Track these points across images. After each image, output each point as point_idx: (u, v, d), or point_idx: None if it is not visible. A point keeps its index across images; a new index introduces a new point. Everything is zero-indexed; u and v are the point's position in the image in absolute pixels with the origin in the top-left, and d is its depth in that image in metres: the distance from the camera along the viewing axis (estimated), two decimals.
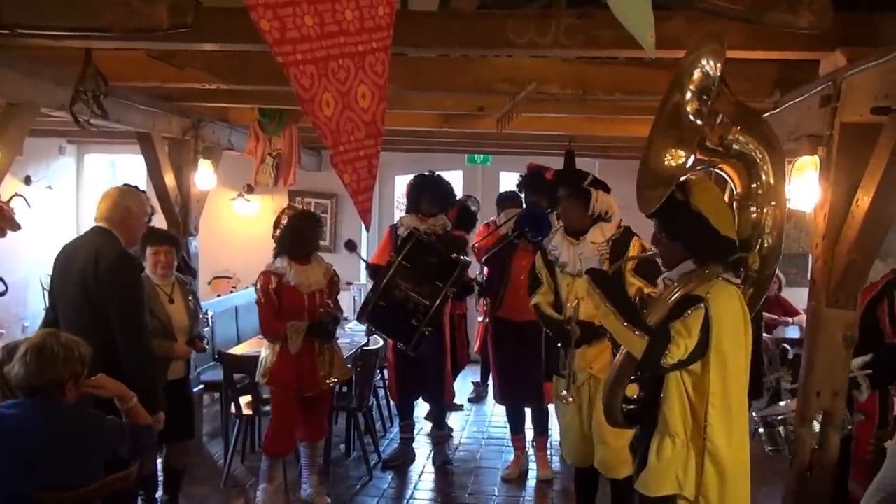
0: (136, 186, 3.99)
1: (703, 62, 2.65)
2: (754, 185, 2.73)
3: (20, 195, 7.15)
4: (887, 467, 2.83)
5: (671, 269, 2.76)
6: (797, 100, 3.59)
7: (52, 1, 2.66)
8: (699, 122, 2.65)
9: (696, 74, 2.69)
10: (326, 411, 4.90)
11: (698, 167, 2.83)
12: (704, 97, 2.65)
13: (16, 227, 6.54)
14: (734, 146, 2.74)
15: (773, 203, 2.79)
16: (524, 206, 5.49)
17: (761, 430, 3.39)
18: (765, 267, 2.84)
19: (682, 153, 2.68)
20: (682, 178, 2.66)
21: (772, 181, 2.77)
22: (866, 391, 3.42)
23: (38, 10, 2.68)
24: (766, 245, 2.79)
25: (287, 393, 4.52)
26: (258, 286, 4.54)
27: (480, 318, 6.55)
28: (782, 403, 3.75)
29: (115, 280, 3.52)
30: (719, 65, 2.58)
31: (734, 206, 2.84)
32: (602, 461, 3.86)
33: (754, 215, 2.76)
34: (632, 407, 2.84)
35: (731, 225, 2.71)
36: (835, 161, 3.09)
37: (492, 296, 5.38)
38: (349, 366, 5.01)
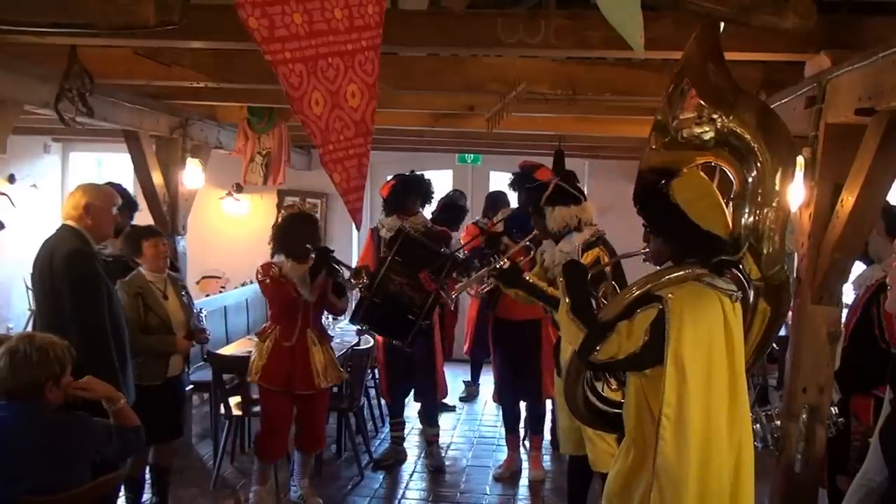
0: (119, 184, 3.98)
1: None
2: (750, 180, 2.57)
3: (4, 194, 7.12)
4: (870, 461, 2.82)
5: (659, 266, 2.65)
6: (782, 101, 3.61)
7: None
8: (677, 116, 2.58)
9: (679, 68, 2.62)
10: (322, 418, 4.82)
11: (698, 162, 2.76)
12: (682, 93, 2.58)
13: (0, 226, 6.48)
14: (727, 136, 2.58)
15: (773, 204, 2.60)
16: (516, 205, 5.48)
17: (756, 426, 3.36)
18: (772, 274, 2.63)
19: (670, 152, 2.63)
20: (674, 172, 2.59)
21: (774, 181, 2.59)
22: (835, 394, 3.43)
23: (21, 6, 2.65)
24: (768, 251, 2.61)
25: (277, 392, 4.50)
26: (260, 273, 4.52)
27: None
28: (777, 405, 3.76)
29: (67, 275, 3.50)
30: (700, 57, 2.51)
31: (730, 203, 2.69)
32: (590, 457, 3.89)
33: (751, 217, 2.58)
34: (602, 407, 2.81)
35: (719, 222, 2.52)
36: (820, 161, 3.12)
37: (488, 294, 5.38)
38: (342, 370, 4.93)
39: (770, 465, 3.42)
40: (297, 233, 4.51)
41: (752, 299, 2.61)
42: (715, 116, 2.54)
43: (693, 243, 2.50)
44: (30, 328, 7.04)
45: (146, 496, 4.48)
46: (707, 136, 2.57)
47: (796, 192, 3.23)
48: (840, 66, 2.93)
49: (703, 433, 2.40)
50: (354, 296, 5.03)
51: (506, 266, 3.63)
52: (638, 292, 2.49)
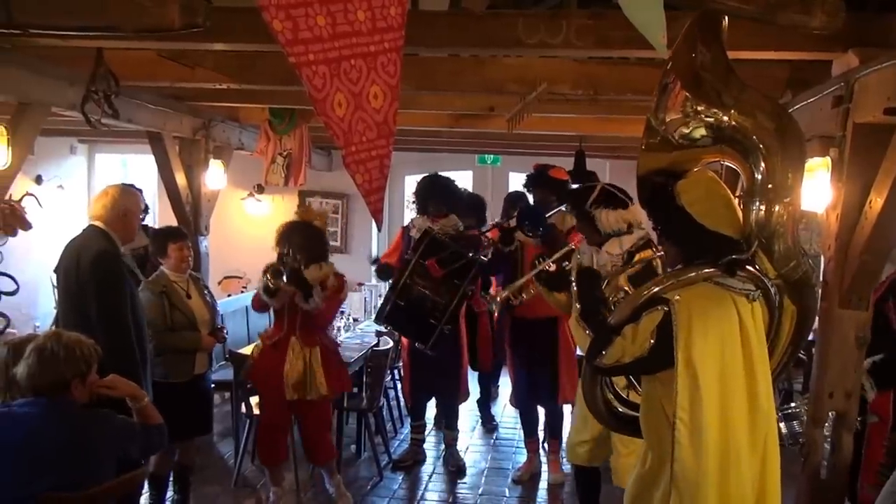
0: (132, 185, 4.04)
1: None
2: (759, 176, 2.48)
3: (31, 194, 7.17)
4: None
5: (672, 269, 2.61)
6: (809, 101, 3.57)
7: (63, 1, 2.67)
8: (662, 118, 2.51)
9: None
10: (322, 429, 4.62)
11: (706, 161, 2.71)
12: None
13: (27, 226, 6.57)
14: (725, 132, 2.50)
15: (784, 200, 2.51)
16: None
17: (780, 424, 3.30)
18: (787, 272, 2.56)
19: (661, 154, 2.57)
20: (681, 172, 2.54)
21: (784, 176, 2.50)
22: (871, 391, 3.39)
23: (49, 10, 2.69)
24: (779, 248, 2.54)
25: (264, 393, 4.53)
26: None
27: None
28: (793, 404, 3.72)
29: (91, 277, 3.56)
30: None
31: (740, 202, 2.63)
32: (612, 467, 3.83)
33: (762, 214, 2.50)
34: (622, 410, 2.78)
35: (727, 221, 2.47)
36: (847, 162, 3.07)
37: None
38: (341, 383, 4.67)
39: (795, 471, 3.38)
40: (286, 240, 4.43)
41: (776, 298, 2.55)
42: (700, 108, 2.46)
43: (701, 244, 2.45)
44: (55, 327, 7.12)
45: (168, 493, 4.51)
46: (698, 134, 2.50)
47: (822, 194, 3.20)
48: (868, 65, 2.89)
49: (719, 438, 2.35)
50: (372, 301, 5.01)
51: (552, 269, 3.60)
52: (646, 296, 2.45)
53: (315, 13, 1.89)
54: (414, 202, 5.47)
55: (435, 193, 5.34)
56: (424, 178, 5.49)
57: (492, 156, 9.11)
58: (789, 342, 2.65)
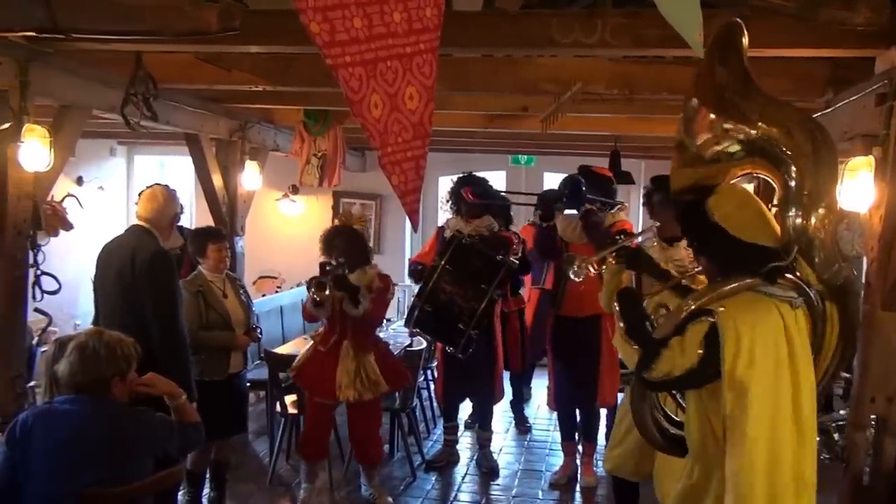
0: (167, 185, 4.11)
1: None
2: (792, 184, 2.47)
3: (73, 195, 7.34)
4: None
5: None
6: (851, 98, 3.50)
7: (105, 6, 2.72)
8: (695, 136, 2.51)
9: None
10: (373, 428, 4.70)
11: (738, 175, 2.69)
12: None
13: (68, 226, 6.72)
14: (756, 145, 2.50)
15: (821, 205, 2.50)
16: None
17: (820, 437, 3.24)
18: (829, 277, 2.53)
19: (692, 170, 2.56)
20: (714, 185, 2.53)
21: (817, 182, 2.50)
22: None
23: (91, 15, 2.74)
24: (819, 254, 2.51)
25: (310, 395, 4.58)
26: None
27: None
28: (842, 412, 3.63)
29: (150, 277, 3.65)
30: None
31: (775, 211, 2.60)
32: (656, 486, 3.75)
33: (799, 221, 2.49)
34: (673, 431, 2.72)
35: (763, 232, 2.46)
36: (891, 161, 3.01)
37: (552, 292, 5.32)
38: (402, 379, 4.77)
39: (836, 477, 3.31)
40: (331, 247, 4.50)
41: (818, 305, 2.51)
42: (728, 126, 2.48)
43: (738, 257, 2.44)
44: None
45: (204, 490, 4.56)
46: (733, 150, 2.51)
47: (865, 194, 3.14)
48: None
49: (768, 451, 2.32)
50: (405, 302, 5.02)
51: (632, 246, 3.56)
52: (690, 309, 2.44)
53: (352, 15, 1.90)
54: (448, 202, 5.47)
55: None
56: (459, 178, 5.49)
57: (525, 156, 9.07)
58: (835, 350, 2.60)
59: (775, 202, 2.60)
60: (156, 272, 3.67)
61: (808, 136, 2.46)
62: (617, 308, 2.66)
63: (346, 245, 4.48)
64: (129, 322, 3.50)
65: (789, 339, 2.37)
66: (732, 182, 2.59)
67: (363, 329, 4.54)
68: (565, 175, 5.39)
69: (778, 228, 2.49)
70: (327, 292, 4.28)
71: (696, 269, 2.93)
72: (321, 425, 4.65)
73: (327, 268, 4.36)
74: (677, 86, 4.12)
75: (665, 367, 2.38)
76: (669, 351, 2.37)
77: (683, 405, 2.68)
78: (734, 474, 2.32)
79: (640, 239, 3.84)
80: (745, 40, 2.43)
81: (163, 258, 3.72)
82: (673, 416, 2.76)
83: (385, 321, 6.64)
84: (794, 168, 2.46)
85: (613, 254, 3.42)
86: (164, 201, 3.87)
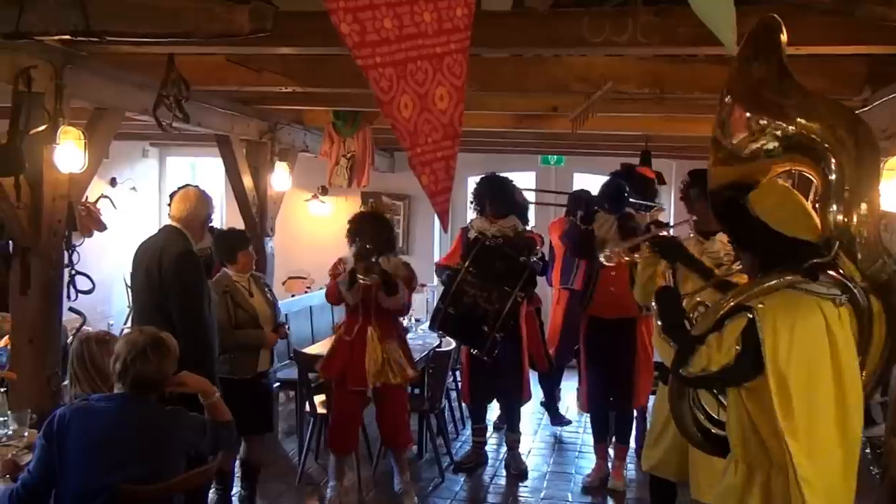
0: (198, 186, 4.15)
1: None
2: (833, 178, 2.43)
3: (106, 196, 7.45)
4: None
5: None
6: (889, 97, 3.43)
7: (138, 9, 2.75)
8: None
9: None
10: (402, 414, 4.80)
11: (777, 171, 2.64)
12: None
13: (102, 227, 6.83)
14: (795, 141, 2.46)
15: (862, 200, 2.45)
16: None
17: (867, 450, 3.18)
18: (873, 273, 2.47)
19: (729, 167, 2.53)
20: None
21: (858, 176, 2.45)
22: None
23: (125, 18, 2.77)
24: (862, 250, 2.45)
25: (339, 385, 4.60)
26: (330, 269, 4.67)
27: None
28: (881, 424, 3.55)
29: (177, 276, 3.70)
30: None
31: (816, 206, 2.56)
32: (691, 483, 3.71)
33: (840, 216, 2.45)
34: (714, 430, 2.67)
35: (804, 227, 2.41)
36: None
37: (581, 293, 5.29)
38: (415, 369, 4.84)
39: (872, 482, 3.25)
40: (360, 231, 4.54)
41: (863, 302, 2.45)
42: (764, 122, 2.44)
43: (781, 252, 2.40)
44: (129, 324, 7.38)
45: (234, 489, 4.60)
46: (771, 146, 2.47)
47: None
48: None
49: (808, 453, 2.28)
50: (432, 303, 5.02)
51: (668, 236, 3.52)
52: (729, 305, 2.40)
53: (382, 16, 1.90)
54: (473, 203, 5.46)
55: (492, 194, 5.31)
56: (482, 178, 5.47)
57: (555, 156, 9.03)
58: (882, 349, 2.54)
59: (815, 197, 2.56)
60: (182, 272, 3.72)
61: (850, 131, 2.42)
62: (655, 307, 2.63)
63: (376, 231, 4.53)
64: (157, 321, 3.54)
65: (832, 337, 2.33)
66: (773, 178, 2.55)
67: (388, 316, 4.60)
68: (608, 176, 5.39)
69: (819, 224, 2.46)
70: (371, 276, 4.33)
71: (737, 266, 2.89)
72: (350, 417, 4.68)
73: (365, 252, 4.41)
74: (710, 84, 4.06)
75: (701, 363, 2.35)
76: (706, 347, 2.35)
77: (724, 403, 2.64)
78: (802, 466, 2.28)
79: (673, 231, 3.80)
80: (784, 36, 2.39)
81: (189, 258, 3.76)
82: (713, 415, 2.71)
83: (414, 321, 6.67)
84: (834, 163, 2.42)
85: (647, 242, 3.40)
86: (196, 202, 3.93)
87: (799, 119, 2.43)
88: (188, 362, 3.09)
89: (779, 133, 2.44)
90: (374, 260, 4.36)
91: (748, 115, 2.45)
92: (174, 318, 3.65)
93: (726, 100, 2.49)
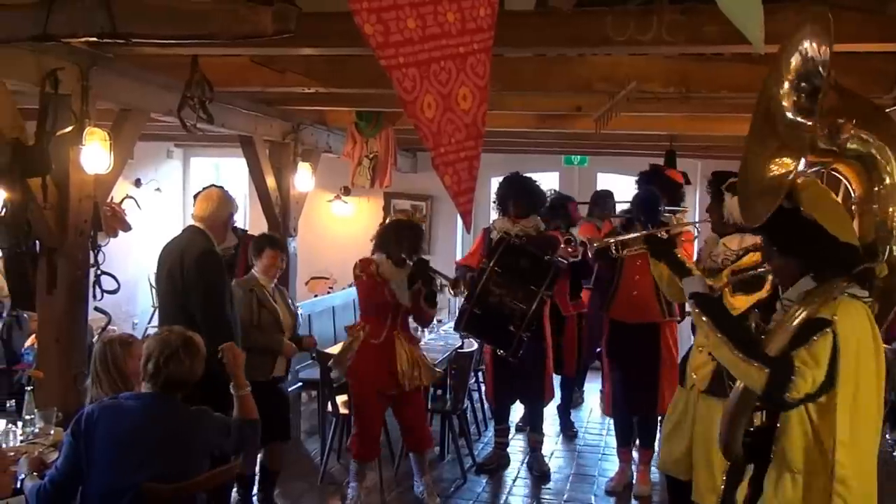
0: (221, 186, 4.17)
1: (805, 46, 2.35)
2: (877, 189, 2.41)
3: (131, 197, 7.52)
4: None
5: (788, 287, 2.45)
6: None
7: (163, 11, 2.76)
8: (805, 120, 2.37)
9: (795, 62, 2.38)
10: (422, 417, 4.85)
11: (810, 170, 2.60)
12: (808, 90, 2.37)
13: (127, 227, 6.88)
14: (850, 145, 2.43)
15: None
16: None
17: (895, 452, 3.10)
18: (892, 275, 2.47)
19: (788, 160, 2.40)
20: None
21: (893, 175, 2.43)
22: None
23: (150, 20, 2.79)
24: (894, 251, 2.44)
25: (367, 392, 4.59)
26: (357, 268, 4.58)
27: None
28: None
29: (198, 276, 3.73)
30: (825, 48, 2.28)
31: (853, 209, 2.54)
32: (694, 484, 3.68)
33: (878, 217, 2.42)
34: (748, 439, 2.61)
35: (852, 230, 2.36)
36: None
37: (602, 292, 5.26)
38: (439, 369, 4.93)
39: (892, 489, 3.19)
40: (400, 238, 4.53)
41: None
42: (865, 136, 2.41)
43: (833, 258, 2.33)
44: (153, 324, 7.44)
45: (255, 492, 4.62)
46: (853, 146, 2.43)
47: None
48: None
49: (868, 446, 2.28)
50: (455, 303, 5.04)
51: (663, 236, 3.52)
52: (801, 317, 2.30)
53: (405, 16, 1.89)
54: (495, 203, 5.43)
55: (515, 193, 5.28)
56: (504, 178, 5.44)
57: (579, 156, 8.98)
58: None
59: (855, 202, 2.51)
60: (203, 271, 3.74)
61: (888, 131, 2.41)
62: (707, 322, 2.48)
63: (414, 240, 4.57)
64: (181, 321, 3.56)
65: (876, 341, 2.31)
66: (812, 179, 2.48)
67: (407, 322, 4.70)
68: (605, 198, 5.36)
69: (857, 229, 2.41)
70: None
71: (761, 269, 2.82)
72: (374, 423, 4.68)
73: (424, 266, 4.53)
74: (736, 83, 4.02)
75: (806, 384, 2.22)
76: (807, 367, 2.22)
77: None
78: (846, 481, 2.26)
79: (675, 231, 3.81)
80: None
81: (210, 258, 3.78)
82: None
83: (436, 322, 6.65)
84: (885, 172, 2.39)
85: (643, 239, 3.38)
86: (218, 202, 3.96)
87: (866, 130, 2.40)
88: (210, 362, 3.11)
89: (855, 141, 2.41)
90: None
91: (854, 122, 2.39)
92: (197, 319, 3.67)
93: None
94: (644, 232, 3.68)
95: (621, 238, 3.99)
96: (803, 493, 2.33)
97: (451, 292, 4.57)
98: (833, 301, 2.28)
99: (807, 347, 2.22)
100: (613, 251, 4.07)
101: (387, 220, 4.84)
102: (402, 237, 4.54)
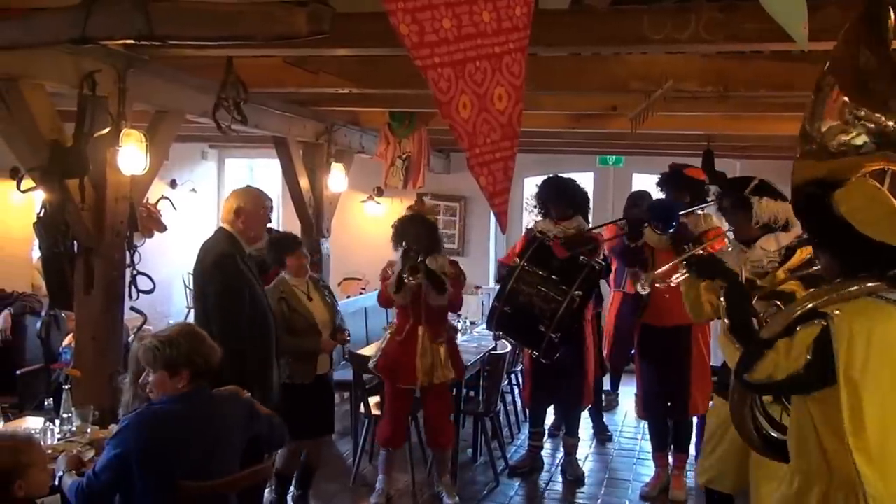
0: (255, 187, 4.18)
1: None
2: None
3: (167, 198, 7.61)
4: None
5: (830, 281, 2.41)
6: None
7: (199, 13, 2.77)
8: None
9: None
10: (445, 414, 4.83)
11: (868, 169, 2.49)
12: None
13: (163, 228, 6.96)
14: (891, 134, 2.27)
15: None
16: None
17: None
18: None
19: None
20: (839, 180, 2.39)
21: None
22: None
23: (186, 22, 2.80)
24: None
25: (390, 382, 4.72)
26: (381, 272, 4.79)
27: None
28: None
29: (211, 279, 3.74)
30: None
31: None
32: (752, 495, 3.58)
33: None
34: (776, 436, 2.57)
35: (894, 231, 2.27)
36: None
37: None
38: (460, 371, 4.88)
39: None
40: (403, 234, 4.59)
41: None
42: (861, 114, 2.27)
43: (864, 255, 2.26)
44: None
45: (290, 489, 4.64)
46: (860, 141, 2.30)
47: None
48: None
49: (881, 468, 2.18)
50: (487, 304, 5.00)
51: (704, 254, 3.45)
52: (803, 309, 2.28)
53: (441, 16, 1.87)
54: (535, 206, 5.38)
55: (555, 196, 5.23)
56: (544, 180, 5.39)
57: (614, 156, 8.88)
58: None
59: None
60: (215, 274, 3.73)
61: None
62: (723, 304, 2.53)
63: (419, 233, 4.58)
64: (203, 322, 3.59)
65: None
66: (861, 177, 2.37)
67: (437, 317, 4.68)
68: (641, 199, 5.27)
69: None
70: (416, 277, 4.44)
71: (782, 273, 2.77)
72: (399, 411, 4.77)
73: (410, 253, 4.49)
74: (776, 81, 3.93)
75: (767, 369, 2.24)
76: (774, 353, 2.23)
77: (788, 408, 2.54)
78: (871, 485, 2.17)
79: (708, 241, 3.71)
80: (892, 22, 2.23)
81: (224, 261, 3.74)
82: (776, 419, 2.61)
83: (469, 324, 6.63)
84: None
85: (684, 263, 3.30)
86: (231, 201, 3.94)
87: None
88: (224, 369, 3.11)
89: (873, 127, 2.27)
90: (419, 260, 4.43)
91: (846, 99, 2.28)
92: (211, 319, 3.68)
93: (826, 79, 2.31)
94: (675, 261, 3.57)
95: (663, 270, 3.83)
96: (799, 494, 2.30)
97: (407, 279, 4.44)
98: (850, 299, 2.23)
99: (789, 337, 2.22)
100: (660, 284, 3.90)
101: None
102: (404, 233, 4.60)
